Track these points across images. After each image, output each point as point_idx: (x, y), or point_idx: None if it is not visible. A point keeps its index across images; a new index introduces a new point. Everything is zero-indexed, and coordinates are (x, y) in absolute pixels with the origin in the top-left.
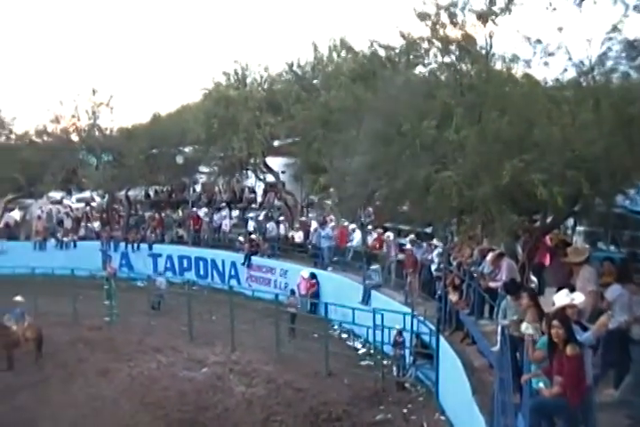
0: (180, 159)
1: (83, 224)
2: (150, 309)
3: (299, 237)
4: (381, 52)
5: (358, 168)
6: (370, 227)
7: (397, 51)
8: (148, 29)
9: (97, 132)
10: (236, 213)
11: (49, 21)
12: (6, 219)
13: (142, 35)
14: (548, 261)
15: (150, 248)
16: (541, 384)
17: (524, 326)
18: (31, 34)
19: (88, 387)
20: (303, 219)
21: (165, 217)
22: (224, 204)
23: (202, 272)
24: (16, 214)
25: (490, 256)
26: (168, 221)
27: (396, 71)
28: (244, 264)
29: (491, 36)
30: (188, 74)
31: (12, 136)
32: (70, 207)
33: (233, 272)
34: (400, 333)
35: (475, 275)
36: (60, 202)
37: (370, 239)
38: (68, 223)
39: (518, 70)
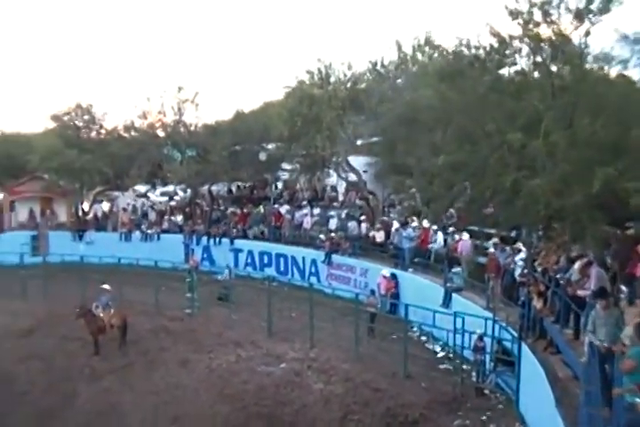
0: (262, 156)
1: (166, 217)
2: (217, 299)
3: (380, 236)
4: (470, 51)
5: (443, 169)
6: (452, 229)
7: (486, 49)
8: (234, 27)
9: (182, 128)
10: (317, 210)
11: (138, 20)
12: (95, 210)
13: (227, 33)
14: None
15: (232, 243)
16: (638, 400)
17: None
18: (123, 33)
19: (169, 375)
20: (384, 219)
21: (250, 213)
22: (305, 201)
23: (282, 269)
24: (104, 206)
25: (578, 264)
26: (255, 218)
27: (484, 70)
28: (324, 262)
29: (586, 35)
30: (270, 72)
31: (102, 131)
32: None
33: (313, 270)
34: (481, 338)
35: (561, 282)
36: (144, 195)
37: (452, 242)
38: (152, 216)
39: (613, 71)
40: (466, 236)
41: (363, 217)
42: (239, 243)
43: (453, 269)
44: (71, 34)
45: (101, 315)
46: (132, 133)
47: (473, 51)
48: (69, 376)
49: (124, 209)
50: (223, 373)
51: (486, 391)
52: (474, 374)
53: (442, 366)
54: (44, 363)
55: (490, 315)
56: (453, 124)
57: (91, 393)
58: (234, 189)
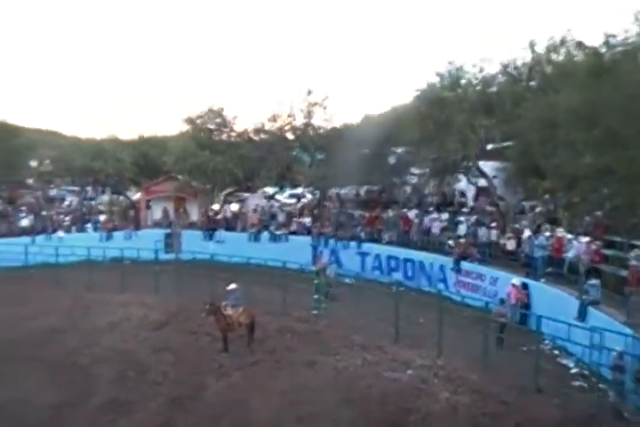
0: (392, 160)
1: (295, 219)
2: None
3: (510, 244)
4: (617, 48)
5: (588, 172)
6: (588, 238)
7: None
8: (363, 31)
9: (311, 131)
10: (445, 216)
11: (269, 24)
12: (225, 211)
13: (356, 37)
14: None
15: (359, 246)
16: None
17: None
18: (255, 38)
19: (295, 376)
20: (516, 226)
21: (378, 217)
22: (434, 206)
23: (409, 274)
24: (234, 207)
25: None
26: (389, 221)
27: (637, 66)
28: (453, 269)
29: None
30: (398, 75)
31: (233, 134)
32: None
33: (441, 276)
34: (621, 355)
35: None
36: (273, 197)
37: (589, 251)
38: (281, 218)
39: None
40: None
41: (493, 223)
42: (367, 246)
43: (590, 281)
44: (206, 40)
45: (230, 313)
46: (262, 136)
47: (620, 48)
48: (199, 370)
49: (254, 210)
50: (349, 376)
51: (626, 414)
52: (612, 394)
53: (575, 383)
54: (174, 356)
55: (630, 331)
56: (600, 124)
57: (218, 388)
58: (362, 192)
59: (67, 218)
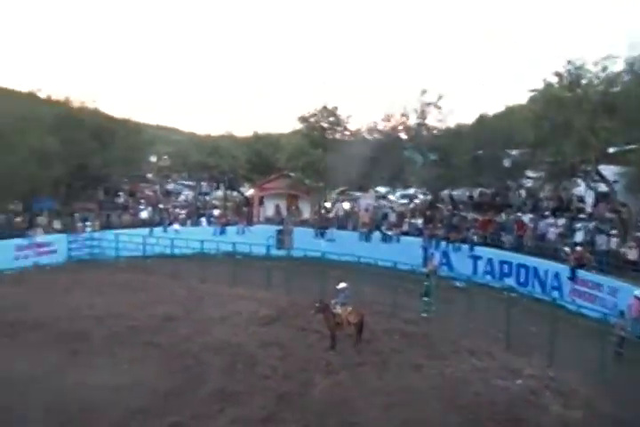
0: (506, 162)
1: (406, 220)
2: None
3: (632, 254)
4: None
5: None
6: None
7: None
8: (478, 30)
9: (424, 131)
10: (561, 221)
11: (385, 25)
12: (337, 209)
13: (472, 36)
14: None
15: (471, 249)
16: None
17: None
18: (368, 38)
19: (401, 378)
20: (638, 234)
21: (491, 220)
22: (549, 211)
23: (522, 280)
24: (345, 206)
25: None
26: (506, 225)
27: None
28: (569, 277)
29: None
30: (513, 74)
31: (347, 133)
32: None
33: (556, 284)
34: None
35: None
36: (384, 197)
37: None
38: (392, 218)
39: None
40: None
41: (613, 231)
42: (479, 250)
43: None
44: (322, 40)
45: (339, 311)
46: (375, 136)
47: None
48: (306, 367)
49: (365, 209)
50: (456, 382)
51: None
52: None
53: None
54: (283, 351)
55: None
56: None
57: (325, 385)
58: (475, 194)
59: (182, 211)
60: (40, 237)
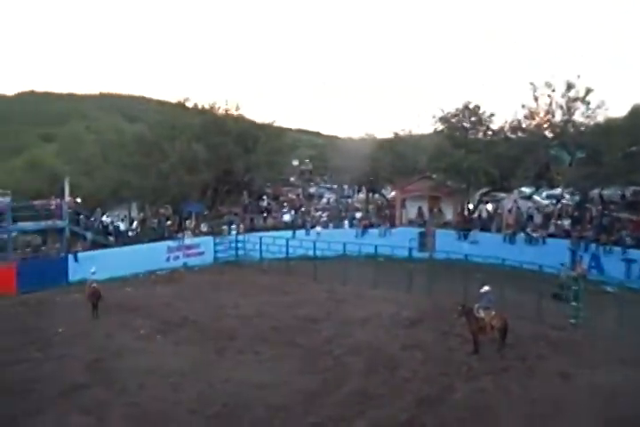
0: None
1: (553, 221)
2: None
3: None
4: None
5: None
6: None
7: None
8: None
9: (571, 129)
10: None
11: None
12: (480, 211)
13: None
14: None
15: (624, 252)
16: None
17: None
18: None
19: (546, 387)
20: None
21: None
22: None
23: None
24: (489, 207)
25: None
26: None
27: None
28: None
29: None
30: None
31: (489, 132)
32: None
33: None
34: None
35: None
36: (529, 197)
37: None
38: (537, 219)
39: None
40: None
41: None
42: (633, 253)
43: None
44: (462, 37)
45: (482, 315)
46: (519, 134)
47: None
48: (448, 371)
49: (509, 210)
50: (607, 393)
51: None
52: None
53: None
54: (424, 354)
55: None
56: None
57: (466, 391)
58: (628, 193)
59: (324, 214)
60: (189, 240)
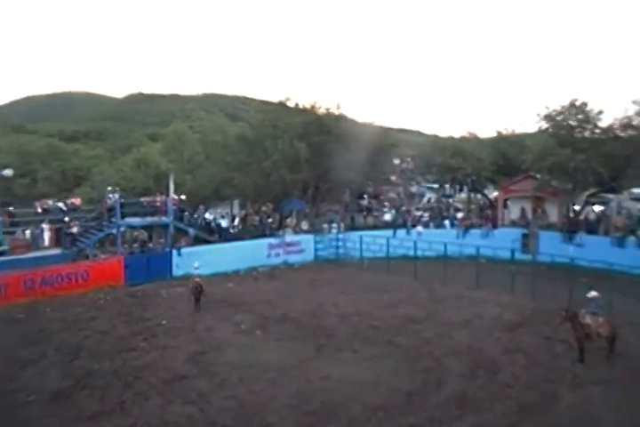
0: None
1: None
2: None
3: None
4: None
5: None
6: None
7: None
8: None
9: None
10: None
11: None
12: (587, 212)
13: None
14: None
15: None
16: None
17: None
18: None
19: None
20: None
21: None
22: None
23: None
24: (596, 208)
25: None
26: None
27: None
28: None
29: None
30: None
31: (597, 130)
32: None
33: None
34: None
35: None
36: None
37: None
38: None
39: None
40: None
41: None
42: None
43: None
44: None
45: (589, 322)
46: (630, 132)
47: None
48: (551, 378)
49: (619, 212)
50: None
51: None
52: None
53: None
54: (527, 359)
55: None
56: None
57: (571, 400)
58: None
59: (425, 214)
60: (289, 237)
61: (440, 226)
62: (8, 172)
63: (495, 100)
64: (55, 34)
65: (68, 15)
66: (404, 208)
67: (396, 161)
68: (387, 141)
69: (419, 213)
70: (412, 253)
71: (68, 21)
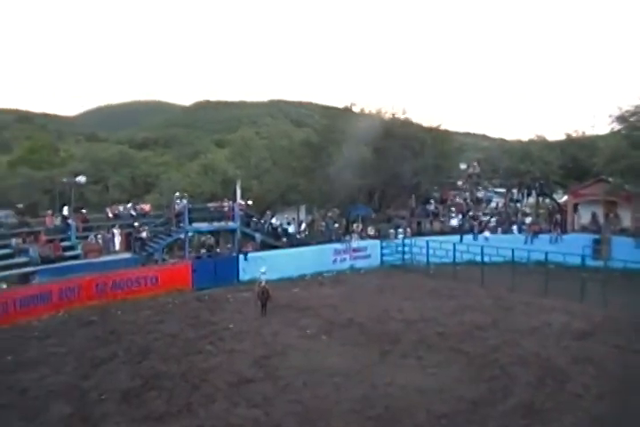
0: None
1: None
2: None
3: None
4: None
5: None
6: None
7: None
8: None
9: None
10: None
11: None
12: None
13: None
14: None
15: None
16: None
17: None
18: None
19: None
20: None
21: None
22: None
23: None
24: None
25: None
26: None
27: None
28: None
29: None
30: None
31: None
32: None
33: None
34: None
35: None
36: None
37: None
38: None
39: None
40: None
41: None
42: None
43: None
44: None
45: None
46: None
47: None
48: (624, 389)
49: None
50: None
51: None
52: None
53: None
54: (598, 369)
55: None
56: None
57: None
58: None
59: (492, 219)
60: (355, 243)
61: (508, 231)
62: (82, 178)
63: (564, 102)
64: (126, 46)
65: (138, 28)
66: (470, 213)
67: (463, 166)
68: (452, 146)
69: (486, 219)
70: (478, 258)
71: (139, 34)
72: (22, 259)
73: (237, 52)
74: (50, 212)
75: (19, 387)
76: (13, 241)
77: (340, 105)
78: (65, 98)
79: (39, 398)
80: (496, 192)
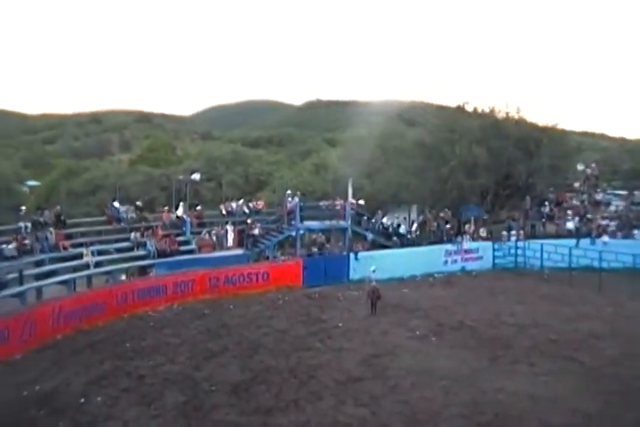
0: None
1: None
2: None
3: None
4: None
5: None
6: None
7: None
8: None
9: None
10: None
11: None
12: None
13: None
14: None
15: None
16: None
17: None
18: None
19: None
20: None
21: None
22: None
23: None
24: None
25: None
26: None
27: None
28: None
29: None
30: None
31: None
32: None
33: None
34: None
35: None
36: None
37: None
38: None
39: None
40: None
41: None
42: None
43: None
44: None
45: None
46: None
47: None
48: None
49: None
50: None
51: None
52: None
53: None
54: None
55: None
56: None
57: None
58: None
59: (612, 223)
60: (467, 244)
61: (629, 236)
62: (197, 176)
63: None
64: (240, 48)
65: (251, 30)
66: (588, 216)
67: (580, 166)
68: (569, 146)
69: (604, 222)
70: (596, 264)
71: (252, 36)
72: (141, 252)
73: (350, 51)
74: (166, 208)
75: (136, 373)
76: (133, 235)
77: (453, 104)
78: (181, 98)
79: (155, 385)
80: (616, 194)
